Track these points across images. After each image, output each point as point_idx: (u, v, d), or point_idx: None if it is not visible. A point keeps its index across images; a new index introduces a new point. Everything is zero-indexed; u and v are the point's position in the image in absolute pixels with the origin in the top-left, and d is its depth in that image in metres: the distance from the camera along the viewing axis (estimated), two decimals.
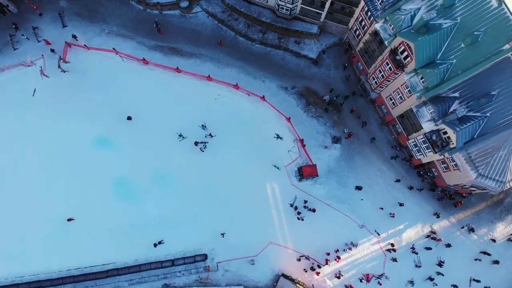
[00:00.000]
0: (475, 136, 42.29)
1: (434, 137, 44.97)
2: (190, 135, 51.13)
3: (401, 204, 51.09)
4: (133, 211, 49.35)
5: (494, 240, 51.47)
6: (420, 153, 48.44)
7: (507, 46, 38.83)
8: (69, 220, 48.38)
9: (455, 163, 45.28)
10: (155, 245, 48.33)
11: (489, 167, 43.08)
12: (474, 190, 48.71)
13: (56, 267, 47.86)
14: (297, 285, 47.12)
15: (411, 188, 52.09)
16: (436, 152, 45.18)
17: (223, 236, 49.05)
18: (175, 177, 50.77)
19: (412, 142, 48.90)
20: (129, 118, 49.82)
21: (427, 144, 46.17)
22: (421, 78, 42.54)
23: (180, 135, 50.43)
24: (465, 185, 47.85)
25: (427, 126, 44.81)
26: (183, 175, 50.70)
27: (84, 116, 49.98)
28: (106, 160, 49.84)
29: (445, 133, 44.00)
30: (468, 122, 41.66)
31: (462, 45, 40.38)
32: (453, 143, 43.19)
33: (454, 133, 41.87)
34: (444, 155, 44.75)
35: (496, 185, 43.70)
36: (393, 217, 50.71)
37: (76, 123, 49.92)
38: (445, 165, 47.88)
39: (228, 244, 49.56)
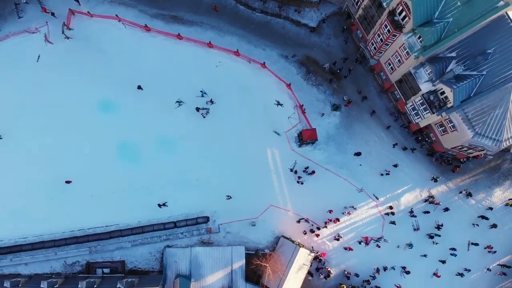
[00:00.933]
0: (471, 95, 42.99)
1: (431, 98, 45.70)
2: (191, 102, 51.84)
3: (395, 165, 51.43)
4: (136, 174, 50.11)
5: (491, 208, 51.92)
6: (418, 116, 49.13)
7: (501, 3, 39.47)
8: (67, 182, 48.52)
9: (452, 124, 45.98)
10: (159, 205, 49.07)
11: (485, 126, 43.78)
12: (472, 153, 49.35)
13: (59, 228, 48.49)
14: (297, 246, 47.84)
15: (404, 148, 52.66)
16: (433, 113, 45.89)
17: (230, 198, 49.84)
18: (178, 142, 51.57)
19: (410, 105, 49.61)
20: (139, 87, 50.58)
21: (425, 106, 46.88)
22: (419, 38, 43.27)
23: (177, 102, 51.01)
24: (462, 148, 48.55)
25: (425, 87, 45.56)
26: (185, 141, 51.50)
27: (88, 81, 50.77)
28: (109, 124, 50.59)
29: (443, 93, 44.71)
30: (465, 80, 42.37)
31: (458, 3, 41.08)
32: (450, 102, 43.90)
33: (451, 91, 42.58)
34: (441, 115, 45.45)
35: (493, 144, 44.38)
36: (388, 174, 51.17)
37: (80, 88, 50.71)
38: (443, 127, 48.58)
39: (229, 207, 50.38)
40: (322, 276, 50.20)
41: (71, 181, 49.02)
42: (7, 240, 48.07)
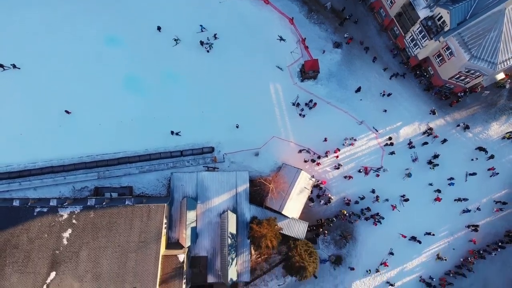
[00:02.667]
0: (467, 17, 44.56)
1: (429, 24, 47.31)
2: (193, 37, 53.22)
3: (389, 94, 53.16)
4: (143, 106, 51.60)
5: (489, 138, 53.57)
6: (417, 47, 50.74)
7: None
8: (67, 112, 50.02)
9: (450, 50, 47.57)
10: (172, 132, 50.32)
11: (481, 49, 45.43)
12: (468, 82, 50.89)
13: (68, 154, 49.90)
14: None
15: (396, 74, 54.33)
16: (431, 38, 47.44)
17: (237, 127, 51.37)
18: (183, 76, 53.13)
19: (409, 37, 51.21)
20: (159, 28, 52.25)
21: (423, 33, 48.48)
22: None
23: (174, 39, 52.44)
24: (459, 77, 50.08)
25: (423, 13, 47.22)
26: (190, 74, 53.04)
27: (95, 16, 52.28)
28: (117, 58, 52.14)
29: (440, 18, 46.31)
30: (461, 2, 43.97)
31: None
32: (447, 26, 45.49)
33: (448, 12, 44.21)
34: (439, 41, 47.02)
35: (488, 67, 46.08)
36: (390, 95, 52.94)
37: (88, 23, 52.22)
38: (440, 57, 50.18)
39: (233, 138, 51.91)
40: (322, 202, 51.69)
41: (70, 112, 50.07)
42: (17, 165, 49.36)
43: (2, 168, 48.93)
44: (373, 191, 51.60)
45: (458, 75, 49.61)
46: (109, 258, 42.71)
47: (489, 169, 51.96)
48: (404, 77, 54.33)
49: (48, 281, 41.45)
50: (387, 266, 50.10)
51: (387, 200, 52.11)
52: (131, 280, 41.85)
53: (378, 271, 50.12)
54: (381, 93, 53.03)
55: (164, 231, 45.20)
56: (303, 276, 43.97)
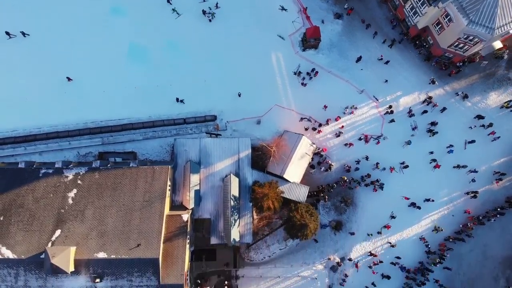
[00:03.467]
0: None
1: None
2: (198, 8, 54.04)
3: (387, 62, 53.99)
4: (146, 74, 52.47)
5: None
6: (417, 15, 51.48)
7: None
8: (68, 79, 50.71)
9: (448, 17, 48.34)
10: (177, 99, 51.11)
11: (479, 14, 46.25)
12: (467, 50, 51.65)
13: (73, 120, 50.64)
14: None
15: (393, 42, 55.13)
16: (431, 5, 48.22)
17: (239, 96, 51.96)
18: (186, 45, 53.98)
19: (409, 5, 51.99)
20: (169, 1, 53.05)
21: (422, 0, 49.21)
22: None
23: (173, 10, 53.19)
24: (458, 45, 50.85)
25: None
26: (193, 43, 53.92)
27: None
28: (122, 27, 52.98)
29: None
30: None
31: None
32: None
33: None
34: (438, 7, 47.78)
35: (486, 32, 46.83)
36: (387, 63, 53.47)
37: None
38: (440, 25, 50.96)
39: (235, 106, 52.73)
40: (323, 169, 52.41)
41: (72, 79, 50.83)
42: (22, 130, 50.09)
43: (7, 132, 49.51)
44: (366, 158, 52.14)
45: (457, 43, 50.38)
46: (113, 216, 43.28)
47: (489, 134, 52.32)
48: (401, 42, 55.22)
49: (53, 238, 41.95)
50: (389, 228, 50.63)
51: (384, 169, 52.52)
52: (135, 237, 42.40)
53: (380, 233, 50.60)
54: (378, 58, 53.55)
55: (168, 193, 45.73)
56: (304, 235, 44.62)
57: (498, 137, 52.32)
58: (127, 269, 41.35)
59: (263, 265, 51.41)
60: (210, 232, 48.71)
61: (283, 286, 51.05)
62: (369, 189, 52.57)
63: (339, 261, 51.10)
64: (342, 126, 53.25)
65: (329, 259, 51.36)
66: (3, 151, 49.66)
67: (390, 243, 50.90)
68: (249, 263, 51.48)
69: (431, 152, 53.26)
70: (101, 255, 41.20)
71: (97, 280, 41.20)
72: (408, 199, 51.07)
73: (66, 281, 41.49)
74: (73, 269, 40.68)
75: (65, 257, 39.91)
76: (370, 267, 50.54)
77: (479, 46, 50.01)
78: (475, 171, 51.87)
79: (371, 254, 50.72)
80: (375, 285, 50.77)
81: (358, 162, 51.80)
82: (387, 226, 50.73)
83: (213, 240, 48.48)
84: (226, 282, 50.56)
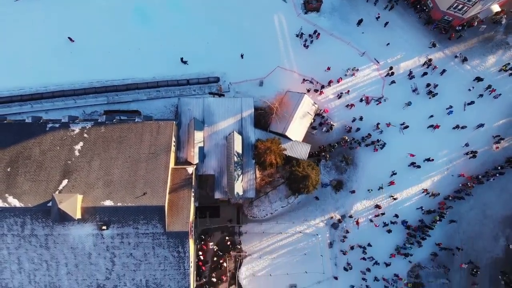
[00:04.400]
0: None
1: None
2: None
3: (386, 23, 54.80)
4: (150, 35, 53.31)
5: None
6: None
7: None
8: (70, 40, 51.49)
9: None
10: (181, 59, 51.96)
11: None
12: (466, 11, 52.47)
13: (78, 79, 51.40)
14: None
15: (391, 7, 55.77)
16: None
17: (242, 57, 52.68)
18: (190, 6, 54.68)
19: None
20: None
21: None
22: None
23: None
24: (457, 6, 51.66)
25: None
26: (196, 5, 54.59)
27: None
28: None
29: None
30: None
31: None
32: None
33: None
34: None
35: None
36: (386, 24, 54.45)
37: None
38: None
39: (238, 69, 53.58)
40: (324, 130, 53.23)
41: (74, 40, 51.60)
42: (28, 88, 50.85)
43: (14, 91, 50.23)
44: (360, 118, 52.94)
45: (456, 3, 51.14)
46: (120, 167, 44.04)
47: (490, 92, 53.07)
48: (397, 3, 55.72)
49: (60, 187, 42.67)
50: (394, 184, 51.31)
51: (381, 132, 53.23)
52: (141, 186, 43.15)
53: (382, 188, 51.35)
54: (376, 17, 54.38)
55: (173, 148, 46.49)
56: (306, 187, 45.43)
57: (499, 94, 52.84)
58: (133, 216, 42.07)
59: (266, 222, 52.26)
60: (214, 187, 49.47)
61: (284, 242, 51.72)
62: (369, 149, 53.40)
63: (340, 218, 51.83)
64: (348, 91, 53.91)
65: (331, 217, 52.03)
66: (10, 109, 50.43)
67: (392, 196, 51.55)
68: (252, 220, 52.33)
69: (431, 116, 53.69)
70: (108, 203, 41.93)
71: (104, 227, 41.85)
72: (413, 155, 51.75)
73: (72, 229, 42.18)
74: (79, 217, 41.23)
75: (72, 204, 40.59)
76: (371, 220, 51.25)
77: (478, 6, 50.77)
78: (481, 125, 52.47)
79: (377, 206, 51.24)
80: (370, 246, 51.31)
81: (353, 120, 52.38)
82: (391, 182, 51.27)
83: (217, 195, 49.29)
84: (227, 238, 51.20)
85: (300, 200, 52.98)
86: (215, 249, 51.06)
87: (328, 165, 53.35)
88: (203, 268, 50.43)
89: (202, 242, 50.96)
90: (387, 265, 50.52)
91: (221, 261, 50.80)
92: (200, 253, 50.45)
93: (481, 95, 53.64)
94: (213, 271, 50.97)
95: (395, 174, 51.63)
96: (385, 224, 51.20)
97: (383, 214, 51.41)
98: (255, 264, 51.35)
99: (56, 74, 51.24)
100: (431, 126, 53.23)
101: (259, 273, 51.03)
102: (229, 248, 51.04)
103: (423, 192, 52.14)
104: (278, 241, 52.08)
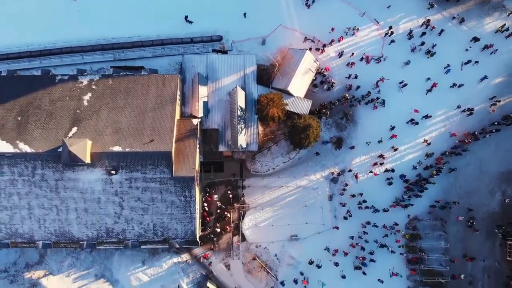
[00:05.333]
0: None
1: None
2: None
3: None
4: None
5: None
6: None
7: None
8: None
9: None
10: (186, 17, 53.38)
11: None
12: None
13: (86, 37, 52.66)
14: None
15: None
16: None
17: (245, 16, 53.88)
18: None
19: None
20: None
21: None
22: None
23: None
24: None
25: None
26: None
27: None
28: None
29: None
30: None
31: None
32: None
33: None
34: None
35: None
36: None
37: None
38: None
39: (241, 28, 54.84)
40: (325, 88, 54.64)
41: None
42: (37, 45, 52.20)
43: (23, 47, 51.55)
44: (356, 77, 54.27)
45: None
46: (127, 116, 45.57)
47: (488, 47, 54.31)
48: None
49: (70, 134, 44.20)
50: (396, 137, 52.93)
51: (378, 91, 54.47)
52: (149, 134, 44.70)
53: (381, 142, 52.87)
54: None
55: (178, 102, 47.91)
56: (307, 137, 46.96)
57: (496, 50, 54.08)
58: (141, 162, 43.63)
59: (268, 177, 53.90)
60: (218, 141, 50.97)
61: (286, 195, 53.37)
62: (369, 107, 54.82)
63: (339, 172, 53.41)
64: (352, 54, 55.06)
65: (331, 173, 53.60)
66: (19, 65, 51.83)
67: (393, 146, 52.98)
68: (254, 175, 53.94)
69: (429, 78, 54.94)
70: (116, 148, 43.50)
71: (112, 172, 43.36)
72: (417, 111, 53.11)
73: (82, 174, 43.73)
74: (89, 161, 42.71)
75: (82, 148, 42.11)
76: (371, 171, 52.85)
77: None
78: (486, 78, 53.73)
79: (380, 156, 53.00)
80: (366, 201, 53.06)
81: (348, 77, 53.92)
82: (393, 136, 52.76)
83: (221, 148, 50.87)
84: (229, 192, 52.72)
85: (301, 156, 54.52)
86: (218, 204, 52.57)
87: (329, 122, 54.86)
88: (208, 219, 51.99)
89: (207, 194, 52.49)
90: (385, 211, 52.01)
91: (225, 213, 52.32)
92: (205, 204, 51.95)
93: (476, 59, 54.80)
94: (217, 222, 52.53)
95: (393, 128, 52.92)
96: (387, 172, 52.44)
97: (381, 163, 52.86)
98: (258, 216, 52.98)
99: (64, 31, 52.68)
100: (429, 90, 54.31)
101: (261, 224, 52.67)
102: (233, 200, 52.55)
103: (423, 142, 53.23)
104: (279, 194, 53.71)
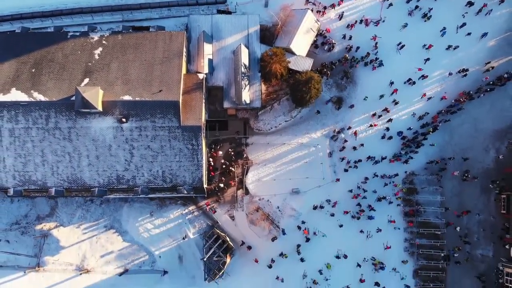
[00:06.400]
0: None
1: None
2: None
3: None
4: None
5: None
6: None
7: None
8: None
9: None
10: None
11: None
12: None
13: None
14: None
15: None
16: None
17: None
18: None
19: None
20: None
21: None
22: None
23: None
24: None
25: None
26: None
27: None
28: None
29: None
30: None
31: None
32: None
33: None
34: None
35: None
36: None
37: None
38: None
39: None
40: (326, 49, 56.78)
41: None
42: (49, 6, 54.14)
43: (36, 7, 53.59)
44: (350, 38, 56.37)
45: None
46: (137, 68, 47.70)
47: (482, 8, 56.18)
48: None
49: (82, 85, 46.26)
50: (396, 92, 54.99)
51: (377, 53, 56.47)
52: (157, 85, 46.82)
53: (383, 96, 55.03)
54: None
55: (184, 58, 49.98)
56: (309, 90, 49.02)
57: (491, 10, 56.00)
58: (150, 111, 45.80)
59: (270, 135, 56.03)
60: (223, 97, 53.09)
61: (287, 152, 55.50)
62: (368, 69, 56.89)
63: (339, 130, 55.55)
64: (355, 23, 57.04)
65: (333, 131, 55.64)
66: (32, 24, 53.73)
67: (395, 100, 55.15)
68: (257, 133, 56.08)
69: (424, 45, 56.83)
70: (127, 97, 45.71)
71: (123, 120, 45.48)
72: (421, 69, 55.05)
73: (94, 122, 45.88)
74: (101, 109, 44.84)
75: (95, 94, 44.21)
76: (371, 125, 54.99)
77: None
78: (485, 34, 55.60)
79: (385, 109, 55.10)
80: (361, 161, 55.13)
81: (343, 37, 56.07)
82: (394, 91, 54.85)
83: (226, 104, 53.05)
84: (230, 150, 54.76)
85: (302, 115, 56.65)
86: (222, 161, 54.67)
87: (329, 82, 56.98)
88: (212, 173, 54.10)
89: (212, 150, 54.62)
90: (383, 158, 54.08)
91: (229, 168, 54.44)
92: (211, 159, 54.08)
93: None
94: (222, 176, 54.68)
95: (392, 83, 55.01)
96: (389, 122, 54.84)
97: (380, 116, 55.00)
98: (261, 171, 55.12)
99: None
100: (427, 59, 56.26)
101: (264, 179, 54.76)
102: (237, 157, 54.68)
103: (422, 97, 55.31)
104: (281, 151, 55.83)
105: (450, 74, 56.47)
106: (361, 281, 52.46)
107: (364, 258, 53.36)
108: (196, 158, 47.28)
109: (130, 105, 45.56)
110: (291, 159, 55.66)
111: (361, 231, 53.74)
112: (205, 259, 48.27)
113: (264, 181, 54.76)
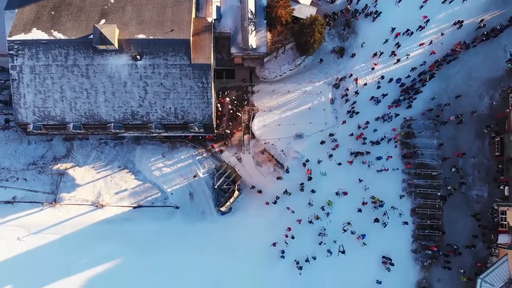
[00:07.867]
0: None
1: None
2: None
3: None
4: None
5: None
6: None
7: None
8: None
9: None
10: None
11: None
12: None
13: None
14: None
15: None
16: None
17: None
18: None
19: None
20: None
21: None
22: None
23: None
24: None
25: None
26: None
27: None
28: None
29: None
30: None
31: None
32: None
33: None
34: None
35: None
36: None
37: None
38: None
39: None
40: (329, 0, 59.68)
41: None
42: None
43: None
44: None
45: None
46: (150, 10, 50.51)
47: None
48: None
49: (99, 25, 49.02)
50: (399, 35, 57.77)
51: (375, 5, 59.29)
52: (169, 25, 49.63)
53: (387, 41, 57.90)
54: None
55: (194, 5, 52.72)
56: (313, 32, 51.76)
57: None
58: (163, 49, 48.62)
59: (275, 83, 58.86)
60: (230, 44, 55.93)
61: (291, 99, 58.35)
62: (368, 20, 59.73)
63: (341, 78, 58.42)
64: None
65: (336, 79, 58.43)
66: None
67: (398, 43, 57.87)
68: (263, 81, 58.92)
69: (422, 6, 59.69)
70: (141, 36, 48.57)
71: (138, 57, 48.34)
72: (426, 17, 57.83)
73: (110, 59, 48.71)
74: (117, 46, 47.70)
75: (112, 31, 47.06)
76: (373, 68, 57.83)
77: None
78: None
79: (392, 53, 57.98)
80: (358, 113, 58.03)
81: None
82: (397, 34, 57.51)
83: (233, 50, 55.90)
84: (233, 98, 57.57)
85: (306, 64, 59.51)
86: (229, 107, 57.53)
87: (332, 33, 59.80)
88: (218, 121, 56.96)
89: (220, 97, 57.47)
90: (384, 95, 56.89)
91: (236, 114, 57.31)
92: (218, 105, 56.94)
93: None
94: (229, 121, 57.57)
95: (394, 29, 57.79)
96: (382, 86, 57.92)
97: (382, 53, 57.77)
98: (266, 117, 57.96)
99: None
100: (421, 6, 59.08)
101: (269, 124, 57.60)
102: (243, 103, 57.53)
103: (420, 45, 58.17)
104: (286, 99, 58.64)
105: (442, 34, 59.27)
106: (360, 208, 55.61)
107: (363, 199, 56.02)
108: (206, 96, 50.06)
109: (144, 43, 48.37)
110: (295, 106, 58.51)
111: (363, 162, 56.63)
112: (216, 186, 51.12)
113: (269, 126, 57.56)
